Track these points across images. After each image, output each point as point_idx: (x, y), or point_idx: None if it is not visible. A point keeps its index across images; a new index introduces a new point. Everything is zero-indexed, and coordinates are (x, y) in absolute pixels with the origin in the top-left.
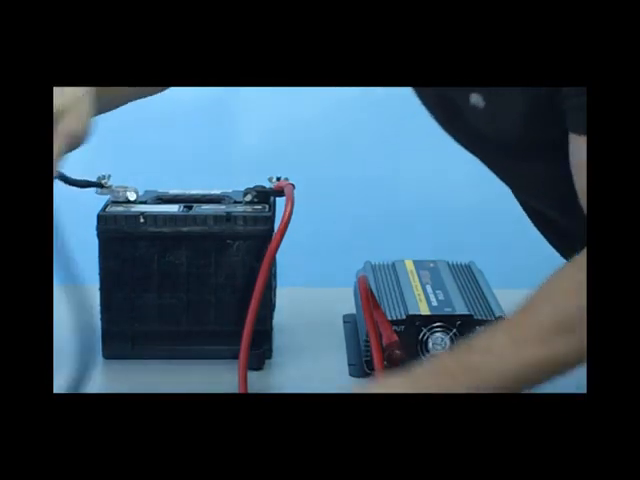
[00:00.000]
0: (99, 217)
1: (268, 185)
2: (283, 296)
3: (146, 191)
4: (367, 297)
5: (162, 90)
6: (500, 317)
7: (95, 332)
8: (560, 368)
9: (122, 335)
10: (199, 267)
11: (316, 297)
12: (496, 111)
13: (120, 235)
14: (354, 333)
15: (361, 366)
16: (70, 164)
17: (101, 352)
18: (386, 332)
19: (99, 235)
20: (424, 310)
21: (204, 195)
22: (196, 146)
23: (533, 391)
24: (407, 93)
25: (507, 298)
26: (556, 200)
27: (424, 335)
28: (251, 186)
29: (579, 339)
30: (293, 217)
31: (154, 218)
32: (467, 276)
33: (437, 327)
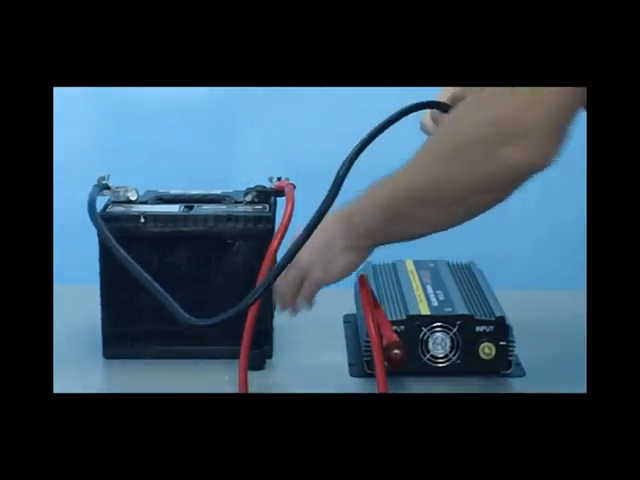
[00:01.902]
0: (100, 217)
1: (268, 185)
2: None
3: (146, 191)
4: (368, 296)
5: None
6: (500, 317)
7: None
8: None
9: (122, 335)
10: (199, 267)
11: (316, 297)
12: None
13: (120, 235)
14: (354, 333)
15: (361, 366)
16: (72, 164)
17: (101, 352)
18: (386, 332)
19: (99, 235)
20: (424, 310)
21: (205, 195)
22: (197, 146)
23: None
24: (407, 93)
25: (507, 298)
26: None
27: (424, 335)
28: (251, 186)
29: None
30: (293, 217)
31: (154, 218)
32: (467, 276)
33: (437, 327)
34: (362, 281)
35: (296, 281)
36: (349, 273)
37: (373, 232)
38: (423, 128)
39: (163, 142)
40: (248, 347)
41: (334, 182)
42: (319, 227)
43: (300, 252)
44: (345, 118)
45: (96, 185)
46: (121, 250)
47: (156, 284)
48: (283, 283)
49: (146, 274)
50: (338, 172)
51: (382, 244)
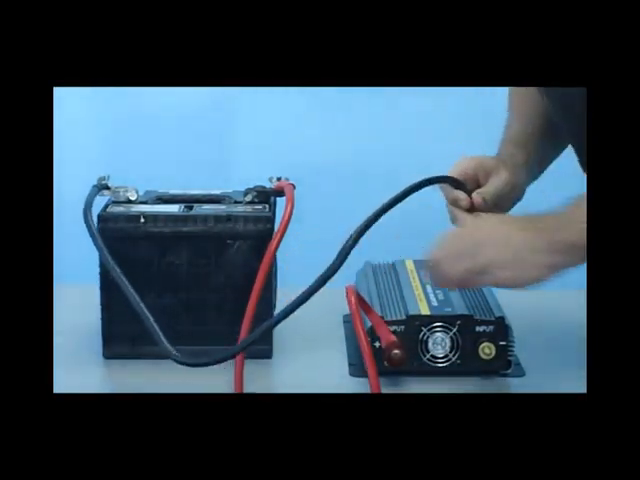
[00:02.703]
0: (99, 217)
1: (268, 185)
2: (283, 296)
3: (146, 191)
4: (357, 310)
5: None
6: (500, 317)
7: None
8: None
9: (122, 335)
10: (199, 267)
11: (316, 297)
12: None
13: (120, 235)
14: (354, 333)
15: (361, 366)
16: (71, 164)
17: (101, 352)
18: (383, 334)
19: (99, 235)
20: (424, 310)
21: (204, 195)
22: (196, 146)
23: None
24: (408, 93)
25: (507, 298)
26: None
27: (424, 335)
28: (251, 186)
29: None
30: (293, 217)
31: (154, 218)
32: None
33: (437, 327)
34: (350, 293)
35: (470, 272)
36: (536, 285)
37: (572, 250)
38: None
39: (163, 142)
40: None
41: (340, 253)
42: (502, 230)
43: (475, 248)
44: (345, 118)
45: (95, 186)
46: (107, 255)
47: (145, 309)
48: (449, 265)
49: (131, 289)
50: (345, 244)
51: (566, 266)
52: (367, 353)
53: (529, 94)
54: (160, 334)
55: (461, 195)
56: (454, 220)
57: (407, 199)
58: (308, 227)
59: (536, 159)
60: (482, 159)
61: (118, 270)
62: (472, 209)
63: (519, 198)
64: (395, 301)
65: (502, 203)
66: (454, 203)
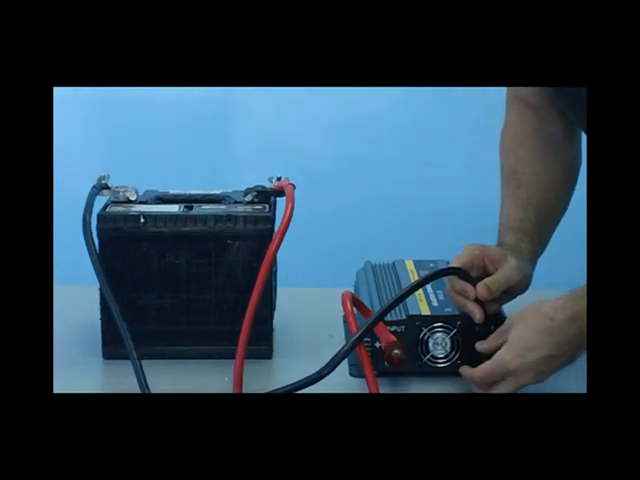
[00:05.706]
0: (99, 217)
1: (268, 185)
2: (283, 296)
3: (146, 191)
4: (352, 317)
5: None
6: (500, 317)
7: None
8: None
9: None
10: (199, 267)
11: (316, 297)
12: None
13: (120, 235)
14: None
15: (361, 366)
16: (72, 164)
17: (101, 352)
18: (383, 335)
19: (99, 235)
20: (424, 310)
21: (204, 195)
22: (196, 146)
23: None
24: (411, 93)
25: None
26: None
27: (424, 335)
28: (251, 186)
29: None
30: (293, 217)
31: (154, 218)
32: None
33: (437, 327)
34: (345, 299)
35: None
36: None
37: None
38: (448, 293)
39: (163, 142)
40: (245, 347)
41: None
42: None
43: (505, 354)
44: (345, 119)
45: (94, 187)
46: (95, 256)
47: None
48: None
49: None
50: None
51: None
52: (364, 357)
53: (518, 182)
54: (129, 340)
55: (467, 287)
56: (461, 307)
57: (408, 199)
58: (308, 227)
59: (540, 243)
60: (487, 248)
61: (103, 273)
62: (477, 298)
63: (528, 285)
64: None
65: (511, 291)
66: (462, 293)
